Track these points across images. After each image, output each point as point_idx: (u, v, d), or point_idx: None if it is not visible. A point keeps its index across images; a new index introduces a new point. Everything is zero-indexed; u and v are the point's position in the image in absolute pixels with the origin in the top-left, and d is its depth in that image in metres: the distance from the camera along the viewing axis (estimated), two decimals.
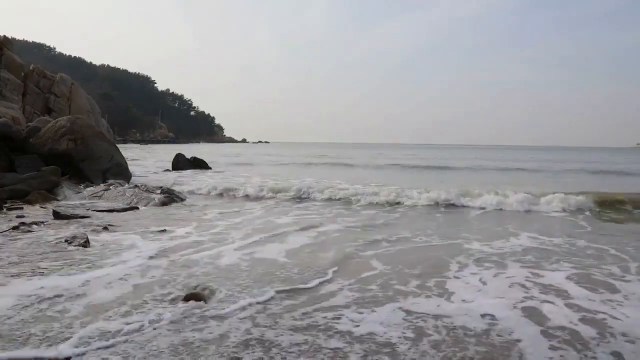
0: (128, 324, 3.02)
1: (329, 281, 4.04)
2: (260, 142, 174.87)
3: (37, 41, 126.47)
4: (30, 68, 30.81)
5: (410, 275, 4.28)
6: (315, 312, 3.32)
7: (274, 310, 3.33)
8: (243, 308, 3.33)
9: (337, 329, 3.02)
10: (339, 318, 3.21)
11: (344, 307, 3.42)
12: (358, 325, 3.08)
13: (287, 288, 3.81)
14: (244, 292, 3.68)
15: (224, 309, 3.31)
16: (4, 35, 28.88)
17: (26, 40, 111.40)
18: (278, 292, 3.71)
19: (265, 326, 3.04)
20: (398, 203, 9.39)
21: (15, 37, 66.59)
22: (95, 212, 7.74)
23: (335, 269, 4.41)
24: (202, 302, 3.43)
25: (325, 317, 3.21)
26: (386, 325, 3.08)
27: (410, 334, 2.95)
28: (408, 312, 3.33)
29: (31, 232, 5.85)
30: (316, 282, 3.97)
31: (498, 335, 2.95)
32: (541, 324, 3.15)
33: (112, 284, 3.85)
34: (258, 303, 3.45)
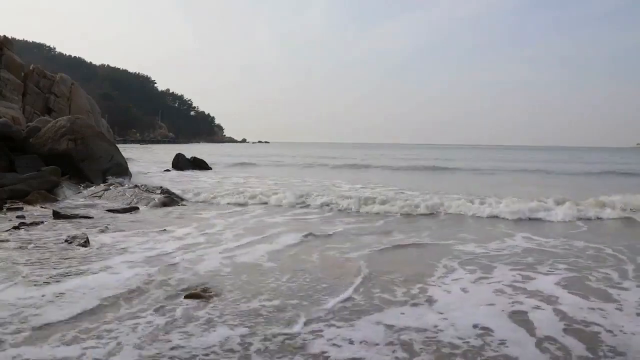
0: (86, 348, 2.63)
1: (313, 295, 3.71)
2: (260, 142, 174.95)
3: (37, 41, 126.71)
4: (30, 68, 30.84)
5: (398, 283, 4.21)
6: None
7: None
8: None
9: (310, 352, 2.70)
10: (320, 331, 2.97)
11: (323, 321, 3.15)
12: (340, 346, 2.76)
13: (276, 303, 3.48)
14: (228, 308, 3.45)
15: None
16: (4, 35, 28.92)
17: (26, 40, 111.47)
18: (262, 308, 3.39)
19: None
20: (407, 212, 8.44)
21: (15, 37, 66.69)
22: (95, 212, 7.77)
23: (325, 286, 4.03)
24: (202, 301, 3.47)
25: (300, 334, 2.93)
26: (369, 345, 2.79)
27: (399, 353, 2.70)
28: (389, 327, 3.08)
29: (29, 232, 5.88)
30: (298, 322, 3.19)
31: (493, 351, 2.77)
32: (537, 335, 2.99)
33: (91, 295, 3.54)
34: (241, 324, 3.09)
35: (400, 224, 7.40)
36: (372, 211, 8.57)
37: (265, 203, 9.37)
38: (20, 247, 5.07)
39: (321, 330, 3.00)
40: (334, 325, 3.09)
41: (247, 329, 3.00)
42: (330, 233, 6.47)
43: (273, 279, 4.14)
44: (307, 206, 9.08)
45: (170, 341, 2.79)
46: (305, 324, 3.11)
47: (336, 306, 3.47)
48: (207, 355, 2.64)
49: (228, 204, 9.34)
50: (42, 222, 6.54)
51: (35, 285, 3.79)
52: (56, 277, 4.01)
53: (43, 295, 3.54)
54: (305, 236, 6.10)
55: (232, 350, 2.70)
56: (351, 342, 2.83)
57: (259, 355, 2.66)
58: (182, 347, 2.72)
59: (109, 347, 2.69)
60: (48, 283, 3.84)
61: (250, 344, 2.79)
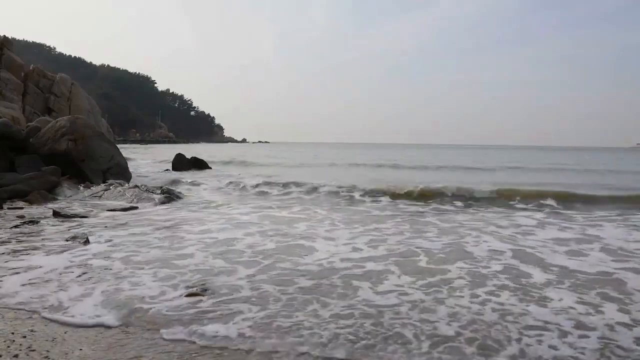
0: None
1: None
2: (260, 142, 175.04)
3: (37, 41, 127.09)
4: (30, 68, 30.85)
5: None
6: None
7: None
8: None
9: None
10: None
11: None
12: None
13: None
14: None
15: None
16: (4, 35, 28.91)
17: (26, 40, 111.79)
18: None
19: None
20: None
21: (15, 37, 66.87)
22: (95, 212, 7.75)
23: None
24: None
25: None
26: None
27: None
28: None
29: (29, 231, 5.86)
30: None
31: None
32: None
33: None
34: None
35: None
36: None
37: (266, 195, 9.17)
38: (20, 246, 5.05)
39: None
40: None
41: None
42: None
43: None
44: (314, 198, 8.88)
45: None
46: None
47: None
48: None
49: (228, 199, 9.27)
50: (42, 222, 6.53)
51: None
52: None
53: None
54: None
55: None
56: None
57: None
58: None
59: None
60: None
61: None
